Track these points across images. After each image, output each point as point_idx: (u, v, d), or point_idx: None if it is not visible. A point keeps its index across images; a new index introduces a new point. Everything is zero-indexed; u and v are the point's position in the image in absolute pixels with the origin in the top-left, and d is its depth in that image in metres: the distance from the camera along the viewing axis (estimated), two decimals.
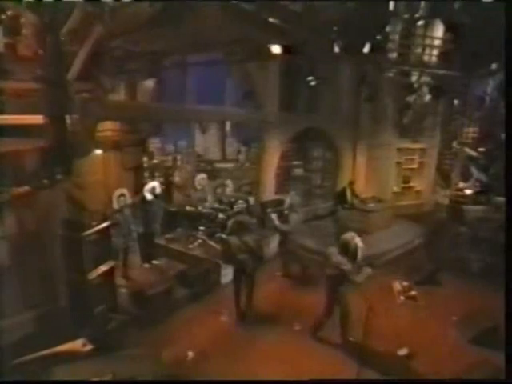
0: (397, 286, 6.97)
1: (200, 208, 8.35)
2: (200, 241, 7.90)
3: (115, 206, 6.44)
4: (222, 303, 6.31)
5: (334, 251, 5.14)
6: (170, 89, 10.04)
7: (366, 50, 8.35)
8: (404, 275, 7.24)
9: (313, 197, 12.56)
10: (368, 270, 5.19)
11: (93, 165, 10.62)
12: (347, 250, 5.00)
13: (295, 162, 12.69)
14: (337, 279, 5.14)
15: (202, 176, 9.17)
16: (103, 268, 5.02)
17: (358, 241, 5.05)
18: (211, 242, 7.72)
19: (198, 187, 9.15)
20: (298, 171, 12.78)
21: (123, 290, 6.18)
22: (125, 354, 4.26)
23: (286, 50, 7.76)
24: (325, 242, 8.43)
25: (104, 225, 4.97)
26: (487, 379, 4.32)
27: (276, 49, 7.78)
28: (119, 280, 6.51)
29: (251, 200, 10.33)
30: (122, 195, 6.57)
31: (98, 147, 10.89)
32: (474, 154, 12.32)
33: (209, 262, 7.12)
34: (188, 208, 8.50)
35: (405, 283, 6.94)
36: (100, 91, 4.87)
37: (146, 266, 7.33)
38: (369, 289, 6.63)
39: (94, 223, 4.90)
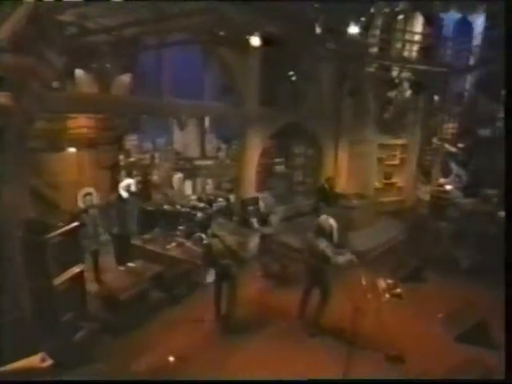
0: (381, 283, 6.84)
1: (178, 207, 8.00)
2: (178, 241, 7.55)
3: (81, 205, 6.04)
4: (203, 306, 6.01)
5: (311, 235, 5.29)
6: (145, 83, 9.64)
7: (351, 30, 8.19)
8: (388, 272, 7.15)
9: (295, 194, 12.39)
10: (351, 256, 5.32)
11: (66, 163, 10.20)
12: (323, 233, 5.15)
13: (276, 159, 12.52)
14: (319, 264, 5.18)
15: (178, 176, 8.81)
16: (71, 272, 4.64)
17: (332, 222, 5.20)
18: (190, 243, 7.37)
19: (175, 187, 8.82)
20: (280, 168, 12.60)
21: (95, 296, 5.78)
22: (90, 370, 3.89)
23: (266, 41, 7.52)
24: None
25: (70, 226, 4.58)
26: (487, 379, 4.20)
27: (255, 41, 7.53)
28: (90, 285, 6.13)
29: (231, 198, 10.07)
30: (88, 194, 6.17)
31: (71, 145, 10.48)
32: (453, 149, 12.39)
33: (187, 263, 6.79)
34: (166, 207, 8.14)
35: (389, 281, 6.83)
36: (45, 70, 4.03)
37: (121, 268, 6.92)
38: (353, 288, 6.57)
39: (60, 224, 4.51)
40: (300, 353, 5.04)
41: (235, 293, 5.51)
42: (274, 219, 7.49)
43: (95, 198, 6.22)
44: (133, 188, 6.73)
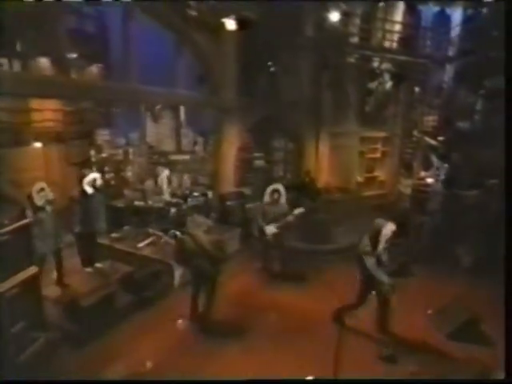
0: None
1: (151, 203, 7.44)
2: (150, 239, 7.02)
3: (38, 202, 5.42)
4: (177, 309, 5.52)
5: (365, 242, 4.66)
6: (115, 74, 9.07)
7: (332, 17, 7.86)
8: None
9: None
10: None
11: (31, 159, 9.48)
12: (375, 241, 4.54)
13: (256, 154, 12.11)
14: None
15: (166, 173, 8.21)
16: (21, 276, 4.06)
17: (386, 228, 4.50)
18: (164, 239, 6.85)
19: (163, 186, 8.19)
20: (259, 163, 12.20)
21: (55, 301, 5.20)
22: None
23: (242, 25, 7.08)
24: (292, 235, 7.97)
25: (17, 224, 3.99)
26: (487, 379, 3.95)
27: (231, 24, 7.08)
28: (51, 289, 5.53)
29: (209, 194, 9.58)
30: (42, 189, 5.55)
31: (37, 139, 9.75)
32: (433, 142, 12.28)
33: (160, 262, 6.27)
34: (137, 203, 7.57)
35: None
36: None
37: (88, 270, 6.35)
38: (339, 285, 6.24)
39: (6, 222, 3.93)
40: (287, 353, 4.65)
41: (211, 293, 5.05)
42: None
43: (49, 194, 5.60)
44: (98, 183, 6.14)
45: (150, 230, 7.18)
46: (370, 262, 4.49)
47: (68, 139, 10.24)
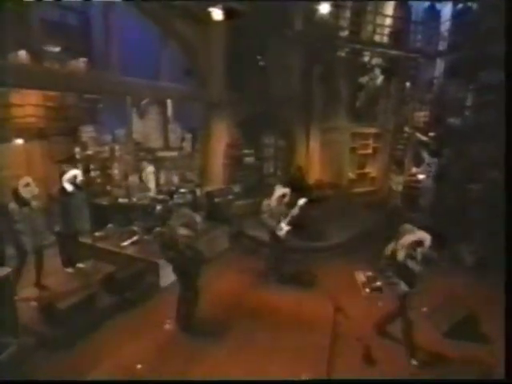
0: (361, 277, 6.36)
1: (135, 200, 7.15)
2: (135, 238, 6.73)
3: (25, 195, 5.11)
4: (162, 311, 5.25)
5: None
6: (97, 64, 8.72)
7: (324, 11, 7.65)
8: (366, 265, 6.68)
9: (265, 186, 11.73)
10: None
11: (12, 156, 9.10)
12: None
13: (246, 151, 11.86)
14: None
15: (150, 169, 7.91)
16: None
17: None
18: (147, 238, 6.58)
19: (149, 183, 7.88)
20: (249, 160, 11.95)
21: (33, 304, 4.90)
22: None
23: (229, 15, 6.83)
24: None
25: None
26: (487, 379, 3.82)
27: (217, 14, 6.83)
28: (28, 290, 5.23)
29: (198, 191, 9.31)
30: (28, 184, 5.25)
31: (18, 136, 9.37)
32: (424, 138, 12.18)
33: (144, 261, 6.00)
34: (121, 200, 7.26)
35: (369, 273, 6.36)
36: None
37: (69, 270, 6.05)
38: (332, 285, 6.05)
39: None
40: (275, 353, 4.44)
41: (192, 291, 4.78)
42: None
43: (34, 189, 5.29)
44: (79, 180, 5.84)
45: (135, 228, 6.89)
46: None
47: (51, 136, 9.90)
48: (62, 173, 5.79)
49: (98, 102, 11.27)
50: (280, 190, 6.40)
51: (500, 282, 3.50)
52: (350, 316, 3.20)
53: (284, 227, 6.31)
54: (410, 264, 4.12)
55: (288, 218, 6.32)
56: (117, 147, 11.59)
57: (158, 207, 6.99)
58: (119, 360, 4.33)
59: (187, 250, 4.49)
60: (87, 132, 11.36)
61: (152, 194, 7.44)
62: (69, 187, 5.77)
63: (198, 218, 4.82)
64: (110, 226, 7.17)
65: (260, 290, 6.08)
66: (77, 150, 10.69)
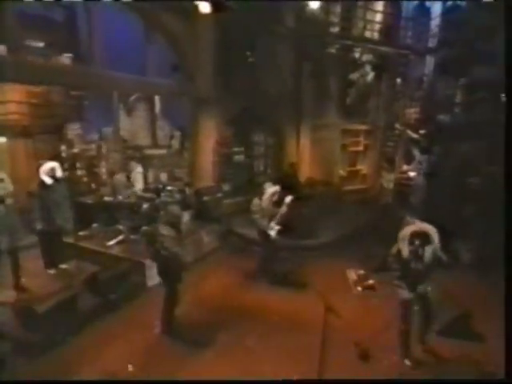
0: (352, 275, 6.24)
1: (121, 198, 6.94)
2: (120, 237, 6.53)
3: None
4: (148, 312, 5.06)
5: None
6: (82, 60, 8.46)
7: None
8: (358, 263, 6.58)
9: (255, 185, 11.59)
10: None
11: None
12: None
13: (235, 149, 11.69)
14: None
15: (138, 170, 7.71)
16: None
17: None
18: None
19: (136, 183, 7.67)
20: (239, 158, 11.78)
21: (9, 307, 4.68)
22: None
23: (217, 8, 6.66)
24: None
25: None
26: (487, 379, 3.71)
27: (204, 7, 6.65)
28: (6, 293, 5.00)
29: (187, 190, 9.12)
30: (1, 180, 5.02)
31: (1, 133, 9.10)
32: (415, 136, 12.14)
33: (130, 261, 5.81)
34: (106, 199, 7.05)
35: (360, 271, 6.25)
36: None
37: (51, 271, 5.82)
38: (323, 284, 5.92)
39: None
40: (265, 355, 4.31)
41: (172, 294, 4.61)
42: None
43: (8, 185, 5.06)
44: (58, 173, 5.61)
45: (121, 228, 6.69)
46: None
47: (36, 134, 9.65)
48: (39, 166, 5.56)
49: (84, 99, 11.03)
50: (270, 189, 6.26)
51: (495, 280, 3.39)
52: (342, 316, 3.05)
53: (274, 227, 6.16)
54: (414, 264, 3.94)
55: (277, 217, 6.17)
56: (104, 145, 11.36)
57: (145, 205, 6.78)
58: (101, 365, 4.14)
59: (164, 250, 4.30)
60: (73, 130, 11.12)
61: (138, 191, 7.22)
62: (47, 180, 5.53)
63: (186, 217, 4.66)
64: (95, 225, 6.95)
65: (249, 290, 5.92)
66: (63, 148, 10.45)
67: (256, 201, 6.26)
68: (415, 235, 3.91)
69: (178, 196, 8.16)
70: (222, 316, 5.13)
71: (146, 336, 4.65)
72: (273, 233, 6.16)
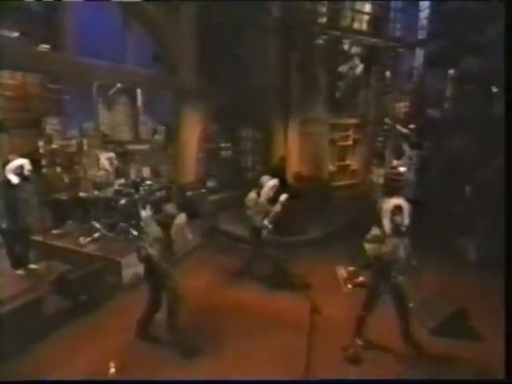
0: (342, 272, 5.95)
1: (97, 193, 6.53)
2: (96, 235, 6.14)
3: None
4: (125, 313, 4.69)
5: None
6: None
7: None
8: (347, 260, 6.28)
9: (242, 181, 11.25)
10: None
11: None
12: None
13: (222, 144, 11.35)
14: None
15: (108, 155, 7.24)
16: None
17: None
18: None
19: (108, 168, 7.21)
20: (226, 154, 11.45)
21: None
22: None
23: None
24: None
25: None
26: (487, 379, 3.55)
27: None
28: None
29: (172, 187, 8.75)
30: None
31: None
32: (404, 131, 11.95)
33: (105, 259, 5.42)
34: (82, 194, 6.63)
35: (350, 268, 5.96)
36: None
37: (19, 272, 5.40)
38: (312, 282, 5.63)
39: None
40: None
41: (155, 298, 4.24)
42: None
43: None
44: (27, 170, 5.19)
45: (97, 225, 6.29)
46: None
47: (12, 128, 9.20)
48: (6, 162, 5.13)
49: (63, 93, 10.58)
50: (270, 182, 5.76)
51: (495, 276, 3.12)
52: (329, 317, 2.76)
53: (268, 225, 5.73)
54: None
55: (271, 215, 5.72)
56: (85, 141, 10.91)
57: (123, 201, 6.39)
58: (69, 374, 3.77)
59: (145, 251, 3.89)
60: (52, 124, 10.62)
61: (117, 187, 6.81)
62: (14, 179, 5.10)
63: (182, 219, 4.15)
64: (69, 222, 6.54)
65: (234, 290, 5.58)
66: (40, 143, 9.99)
67: (252, 194, 5.77)
68: (397, 210, 3.75)
69: (158, 191, 7.80)
70: (203, 317, 4.80)
71: (121, 341, 4.28)
72: (265, 232, 5.74)
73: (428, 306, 4.58)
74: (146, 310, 4.22)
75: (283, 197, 5.71)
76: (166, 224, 3.89)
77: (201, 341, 4.28)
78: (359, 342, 4.12)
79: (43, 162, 9.19)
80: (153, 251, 3.77)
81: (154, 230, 3.87)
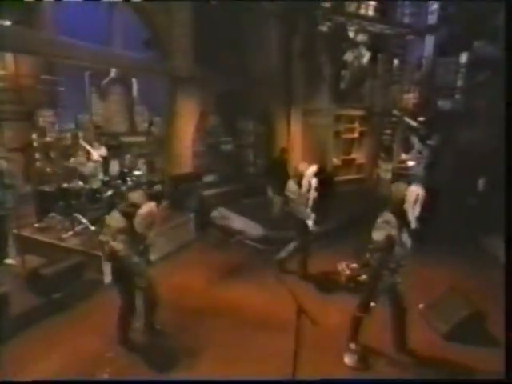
0: (344, 269, 5.45)
1: (81, 184, 6.11)
2: (78, 228, 5.72)
3: None
4: (102, 314, 4.25)
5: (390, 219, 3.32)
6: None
7: None
8: (352, 256, 5.78)
9: (244, 175, 10.78)
10: None
11: None
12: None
13: (223, 138, 10.90)
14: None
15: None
16: None
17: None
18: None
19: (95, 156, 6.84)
20: (226, 147, 11.00)
21: None
22: None
23: None
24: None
25: None
26: (487, 379, 3.30)
27: None
28: None
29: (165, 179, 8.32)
30: None
31: None
32: (414, 123, 11.38)
33: (85, 254, 5.00)
34: (65, 185, 6.22)
35: (353, 265, 5.44)
36: None
37: None
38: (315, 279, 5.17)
39: None
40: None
41: (144, 298, 3.80)
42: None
43: None
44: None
45: (80, 217, 5.87)
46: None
47: (4, 120, 8.88)
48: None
49: (57, 85, 10.25)
50: (311, 168, 5.21)
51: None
52: (317, 321, 2.31)
53: (311, 215, 5.18)
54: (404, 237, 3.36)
55: (310, 203, 5.17)
56: (80, 134, 10.56)
57: (109, 192, 5.97)
58: (32, 374, 3.36)
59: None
60: (46, 116, 10.28)
61: (104, 177, 6.40)
62: None
63: (147, 207, 3.64)
64: (52, 215, 6.13)
65: (228, 288, 5.13)
66: (34, 136, 9.66)
67: (293, 185, 5.20)
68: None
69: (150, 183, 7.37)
70: (193, 318, 4.35)
71: (97, 343, 3.84)
72: (311, 223, 5.18)
73: (440, 306, 4.07)
74: (119, 314, 3.76)
75: (314, 181, 5.19)
76: (129, 214, 3.41)
77: (182, 344, 3.84)
78: (353, 346, 3.65)
79: (37, 156, 8.87)
80: (116, 245, 3.31)
81: (115, 220, 3.41)
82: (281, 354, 3.31)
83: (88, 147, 6.85)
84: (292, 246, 5.55)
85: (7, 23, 9.21)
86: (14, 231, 5.43)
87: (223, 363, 3.60)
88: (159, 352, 3.74)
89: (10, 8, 6.81)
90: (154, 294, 3.76)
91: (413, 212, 3.28)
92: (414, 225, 3.33)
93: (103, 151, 6.91)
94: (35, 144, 9.66)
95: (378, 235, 3.36)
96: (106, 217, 3.63)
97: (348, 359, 3.57)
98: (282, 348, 3.31)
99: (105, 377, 3.35)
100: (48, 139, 9.92)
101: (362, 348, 3.64)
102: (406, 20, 10.43)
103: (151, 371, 3.51)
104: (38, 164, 8.71)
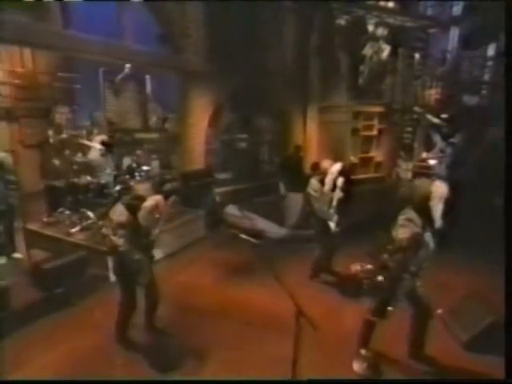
0: (358, 270, 5.18)
1: (89, 178, 6.07)
2: (86, 223, 5.67)
3: None
4: (104, 311, 4.13)
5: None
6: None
7: None
8: (366, 256, 5.51)
9: (260, 173, 10.59)
10: None
11: None
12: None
13: (239, 135, 10.75)
14: None
15: (100, 137, 6.83)
16: None
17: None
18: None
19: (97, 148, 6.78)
20: (242, 145, 10.85)
21: None
22: None
23: None
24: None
25: None
26: (487, 379, 3.19)
27: None
28: None
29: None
30: None
31: None
32: (436, 121, 10.91)
33: (90, 249, 4.92)
34: (76, 180, 6.19)
35: (368, 266, 5.17)
36: None
37: (1, 261, 5.01)
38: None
39: None
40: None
41: (146, 295, 3.65)
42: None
43: None
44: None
45: (89, 212, 5.81)
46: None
47: (21, 117, 9.00)
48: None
49: (73, 82, 10.35)
50: (336, 166, 4.95)
51: None
52: (316, 326, 2.10)
53: (334, 216, 4.93)
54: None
55: (334, 204, 4.91)
56: (95, 130, 10.63)
57: (118, 187, 5.89)
58: (31, 372, 3.27)
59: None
60: (62, 113, 10.40)
61: (113, 172, 6.32)
62: None
63: (153, 200, 3.49)
64: (60, 209, 6.11)
65: (236, 287, 4.95)
66: (50, 133, 9.77)
67: (315, 182, 4.93)
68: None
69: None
70: (199, 318, 4.19)
71: (98, 341, 3.72)
72: (333, 224, 4.93)
73: (460, 312, 3.76)
74: (119, 312, 3.63)
75: (340, 180, 4.93)
76: (134, 207, 3.26)
77: (184, 344, 3.68)
78: (364, 353, 3.39)
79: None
80: (117, 240, 3.17)
81: (117, 213, 3.27)
82: (287, 358, 3.14)
83: (88, 143, 6.79)
84: (316, 254, 5.26)
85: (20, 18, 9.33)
86: (22, 225, 5.43)
87: (227, 365, 3.44)
88: (159, 352, 3.59)
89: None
90: (155, 292, 3.62)
91: (438, 210, 2.99)
92: (438, 224, 3.06)
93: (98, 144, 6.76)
94: (51, 141, 9.76)
95: (401, 233, 3.07)
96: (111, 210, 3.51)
97: (357, 366, 3.33)
98: (288, 351, 3.14)
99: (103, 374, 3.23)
100: (63, 136, 10.01)
101: (374, 355, 3.38)
102: (429, 12, 9.98)
103: (151, 371, 3.38)
104: (54, 161, 8.77)
